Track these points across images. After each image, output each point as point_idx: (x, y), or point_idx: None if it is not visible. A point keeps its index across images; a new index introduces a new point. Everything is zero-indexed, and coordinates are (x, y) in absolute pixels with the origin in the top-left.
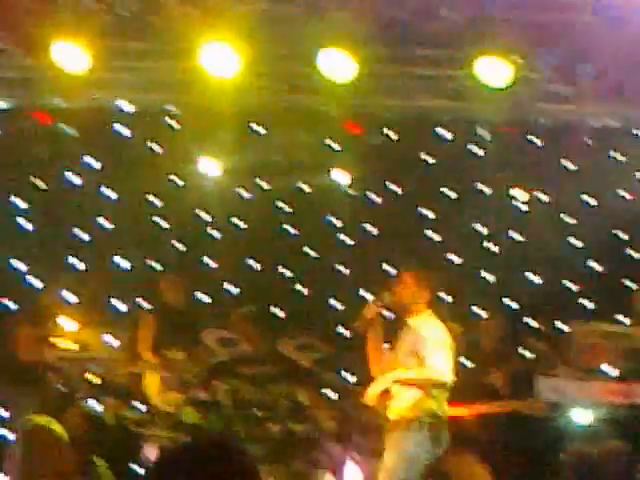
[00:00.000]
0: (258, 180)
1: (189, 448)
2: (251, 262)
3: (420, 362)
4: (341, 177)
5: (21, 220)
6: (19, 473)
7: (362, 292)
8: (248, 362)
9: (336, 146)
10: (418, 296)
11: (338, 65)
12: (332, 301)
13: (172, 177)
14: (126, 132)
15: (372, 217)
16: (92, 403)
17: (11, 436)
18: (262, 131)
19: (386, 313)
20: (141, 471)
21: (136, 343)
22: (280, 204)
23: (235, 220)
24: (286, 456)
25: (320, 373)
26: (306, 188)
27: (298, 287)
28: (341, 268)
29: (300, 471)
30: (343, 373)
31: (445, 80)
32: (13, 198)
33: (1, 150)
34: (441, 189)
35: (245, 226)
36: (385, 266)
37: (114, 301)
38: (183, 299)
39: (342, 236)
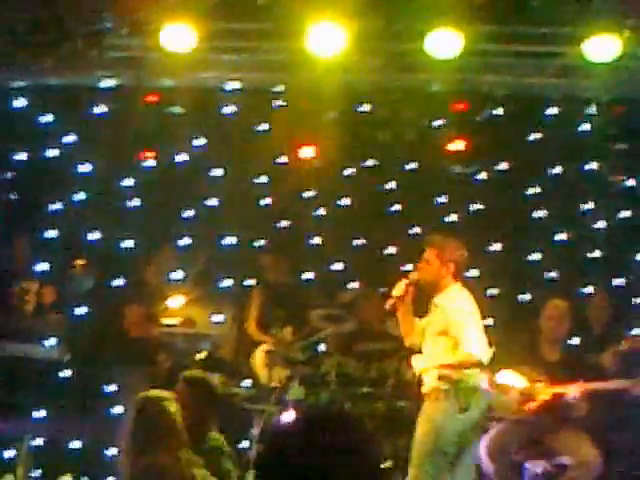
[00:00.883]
0: (363, 158)
1: (310, 418)
2: (357, 240)
3: (454, 343)
4: (446, 155)
5: (128, 198)
6: (131, 448)
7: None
8: (354, 339)
9: (442, 124)
10: (443, 271)
11: (444, 42)
12: None
13: (277, 156)
14: (232, 111)
15: (479, 195)
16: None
17: (123, 412)
18: (367, 109)
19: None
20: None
21: (243, 320)
22: (385, 183)
23: (340, 199)
24: (392, 433)
25: None
26: (412, 166)
27: (404, 265)
28: None
29: (406, 447)
30: None
31: (553, 57)
32: (120, 176)
33: (108, 128)
34: (548, 167)
35: (350, 204)
36: (491, 245)
37: (221, 278)
38: (286, 277)
39: (448, 214)
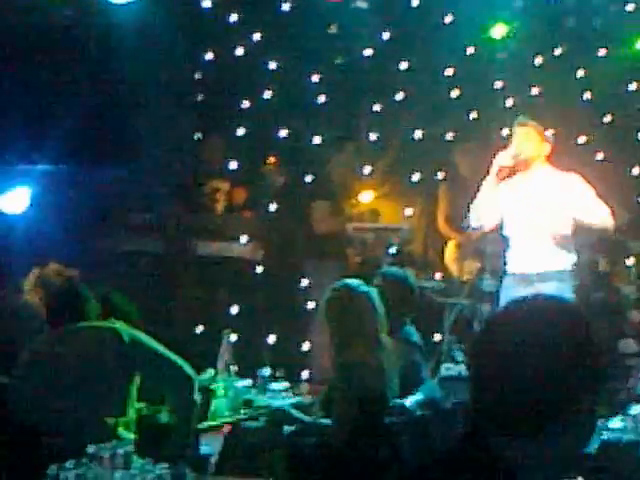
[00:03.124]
0: (552, 47)
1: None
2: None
3: (577, 212)
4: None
5: (316, 94)
6: (323, 339)
7: None
8: None
9: (632, 10)
10: (542, 149)
11: None
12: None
13: (465, 46)
14: (416, 4)
15: None
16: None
17: (315, 307)
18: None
19: None
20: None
21: (432, 213)
22: (575, 71)
23: (530, 88)
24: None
25: (623, 241)
26: (602, 53)
27: (597, 154)
28: None
29: (601, 339)
30: None
31: None
32: (308, 72)
33: (294, 25)
34: None
35: (540, 94)
36: None
37: (409, 172)
38: (476, 169)
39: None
